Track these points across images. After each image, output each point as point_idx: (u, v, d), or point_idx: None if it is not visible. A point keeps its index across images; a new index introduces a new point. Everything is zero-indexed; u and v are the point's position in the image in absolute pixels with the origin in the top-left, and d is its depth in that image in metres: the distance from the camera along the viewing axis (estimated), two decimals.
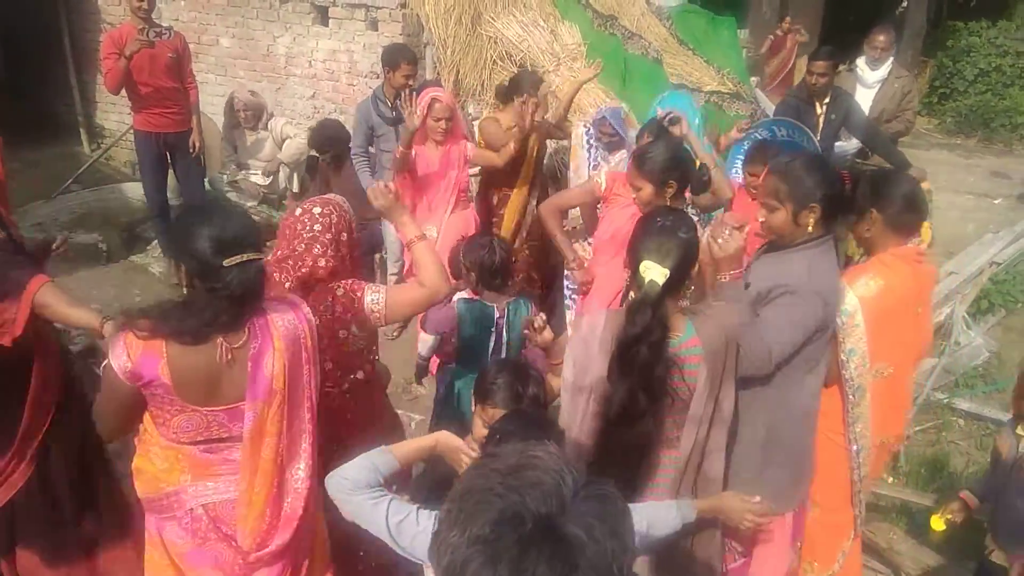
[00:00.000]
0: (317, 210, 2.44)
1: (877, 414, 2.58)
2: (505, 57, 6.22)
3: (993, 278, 5.62)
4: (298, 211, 2.57)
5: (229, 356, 1.93)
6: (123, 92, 5.49)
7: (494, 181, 4.81)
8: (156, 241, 5.95)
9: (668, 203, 3.05)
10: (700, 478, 2.24)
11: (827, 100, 5.06)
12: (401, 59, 4.88)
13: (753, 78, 7.97)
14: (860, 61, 5.74)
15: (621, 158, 4.51)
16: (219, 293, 1.88)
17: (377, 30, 6.34)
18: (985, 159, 10.69)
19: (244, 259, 1.88)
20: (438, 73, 6.22)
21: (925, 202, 2.64)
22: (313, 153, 5.61)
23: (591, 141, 4.82)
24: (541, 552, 0.89)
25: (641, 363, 2.00)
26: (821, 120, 5.08)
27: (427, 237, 2.53)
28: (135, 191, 7.00)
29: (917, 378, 4.74)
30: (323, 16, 6.62)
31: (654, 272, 2.02)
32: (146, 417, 2.07)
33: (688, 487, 2.23)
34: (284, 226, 2.49)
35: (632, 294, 2.14)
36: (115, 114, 8.17)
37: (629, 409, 2.03)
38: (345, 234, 2.45)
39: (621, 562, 0.94)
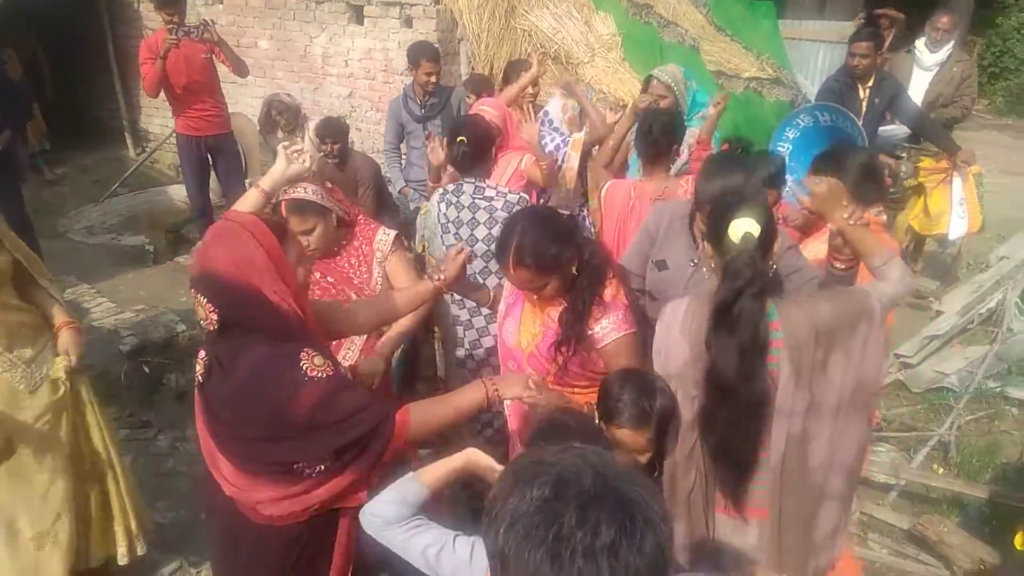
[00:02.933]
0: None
1: None
2: (539, 49, 6.19)
3: None
4: None
5: None
6: (164, 97, 5.62)
7: None
8: (200, 242, 6.08)
9: None
10: (802, 468, 2.10)
11: (870, 83, 4.95)
12: (421, 57, 4.90)
13: None
14: (919, 43, 5.58)
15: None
16: (593, 246, 2.38)
17: (412, 27, 6.36)
18: None
19: None
20: (472, 68, 6.23)
21: (882, 174, 2.73)
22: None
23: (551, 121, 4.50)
24: (603, 505, 0.93)
25: (747, 316, 1.93)
26: (864, 104, 4.97)
27: (268, 195, 2.55)
28: (179, 193, 7.15)
29: (968, 367, 4.64)
30: (358, 15, 6.67)
31: (745, 224, 1.99)
32: None
33: (790, 488, 2.10)
34: None
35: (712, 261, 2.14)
36: (159, 118, 8.35)
37: (743, 368, 1.95)
38: None
39: (668, 526, 0.97)
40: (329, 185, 2.82)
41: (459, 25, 6.29)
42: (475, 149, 3.19)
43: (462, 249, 2.44)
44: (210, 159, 5.74)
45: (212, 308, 1.88)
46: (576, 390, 2.37)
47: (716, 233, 2.06)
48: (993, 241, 6.19)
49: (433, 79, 4.91)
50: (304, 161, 2.50)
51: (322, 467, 1.91)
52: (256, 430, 1.91)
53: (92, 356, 4.56)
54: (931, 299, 5.53)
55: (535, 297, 2.35)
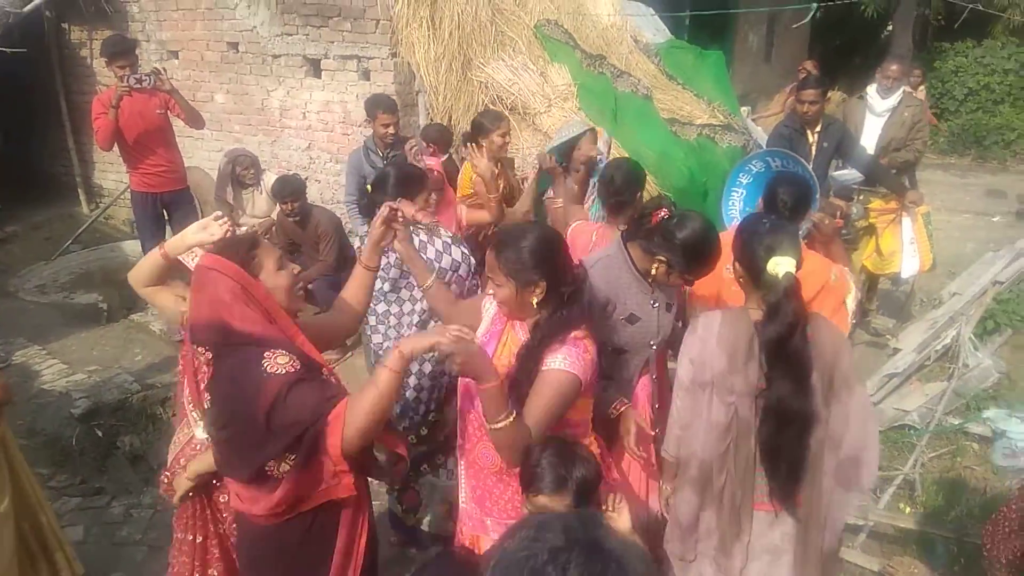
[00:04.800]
0: None
1: None
2: (496, 101, 6.27)
3: (997, 297, 5.58)
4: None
5: None
6: (118, 152, 5.54)
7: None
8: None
9: None
10: (817, 474, 2.33)
11: (818, 128, 5.09)
12: (377, 109, 4.94)
13: (744, 108, 8.04)
14: (870, 89, 5.78)
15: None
16: (576, 292, 2.25)
17: (369, 80, 6.40)
18: (980, 177, 10.75)
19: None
20: (431, 119, 6.27)
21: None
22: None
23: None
24: (578, 555, 1.03)
25: (797, 352, 2.18)
26: (814, 148, 5.11)
27: (168, 258, 2.63)
28: (134, 249, 7.02)
29: (928, 403, 4.71)
30: (316, 69, 6.70)
31: (786, 264, 2.18)
32: None
33: (816, 490, 2.32)
34: None
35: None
36: (113, 174, 8.24)
37: (799, 394, 2.19)
38: None
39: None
40: None
41: (416, 77, 6.35)
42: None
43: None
44: (165, 215, 5.65)
45: (205, 351, 2.16)
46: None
47: (754, 267, 2.27)
48: (944, 278, 6.35)
49: (391, 130, 4.94)
50: (215, 233, 2.51)
51: (287, 466, 1.98)
52: (232, 433, 2.03)
53: (42, 421, 4.44)
54: (888, 336, 5.63)
55: (497, 299, 2.34)
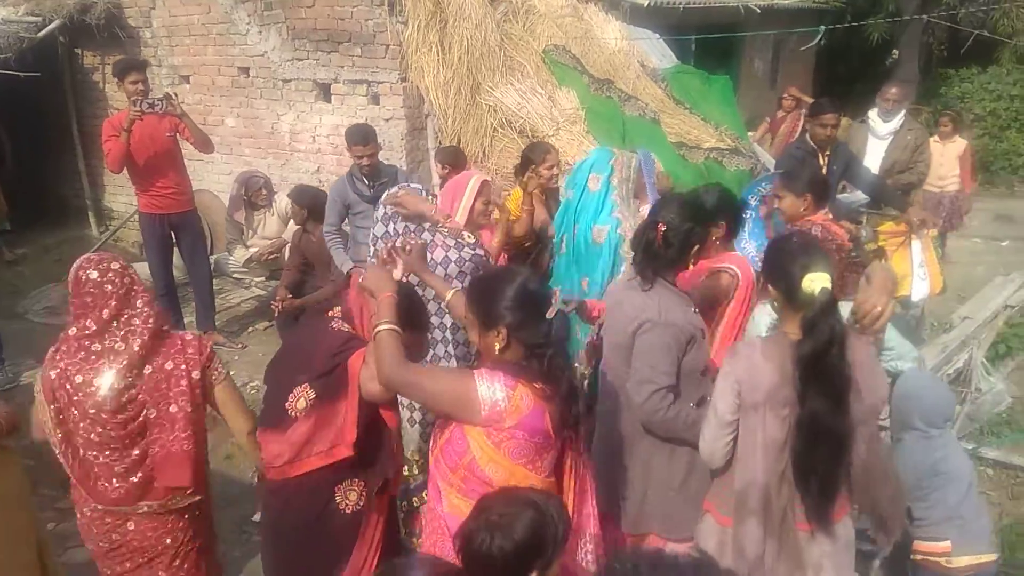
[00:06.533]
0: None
1: None
2: (505, 124, 6.31)
3: (1008, 321, 5.54)
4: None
5: None
6: (127, 175, 5.57)
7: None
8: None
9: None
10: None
11: (828, 152, 5.10)
12: (350, 142, 4.86)
13: (749, 132, 8.07)
14: (872, 113, 5.80)
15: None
16: (543, 344, 2.09)
17: (379, 104, 6.45)
18: (988, 202, 10.71)
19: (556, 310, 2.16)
20: (439, 142, 6.31)
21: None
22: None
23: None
24: None
25: (835, 368, 2.16)
26: (824, 171, 5.11)
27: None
28: (142, 271, 7.01)
29: None
30: (326, 93, 6.76)
31: (821, 280, 2.16)
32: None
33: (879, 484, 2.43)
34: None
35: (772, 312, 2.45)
36: (122, 197, 8.29)
37: (836, 412, 2.17)
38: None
39: None
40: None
41: (425, 101, 6.40)
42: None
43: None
44: (173, 237, 5.67)
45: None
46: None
47: (790, 287, 2.24)
48: (954, 302, 6.31)
49: (365, 160, 4.84)
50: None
51: (304, 404, 2.35)
52: (295, 347, 2.65)
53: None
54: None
55: None
